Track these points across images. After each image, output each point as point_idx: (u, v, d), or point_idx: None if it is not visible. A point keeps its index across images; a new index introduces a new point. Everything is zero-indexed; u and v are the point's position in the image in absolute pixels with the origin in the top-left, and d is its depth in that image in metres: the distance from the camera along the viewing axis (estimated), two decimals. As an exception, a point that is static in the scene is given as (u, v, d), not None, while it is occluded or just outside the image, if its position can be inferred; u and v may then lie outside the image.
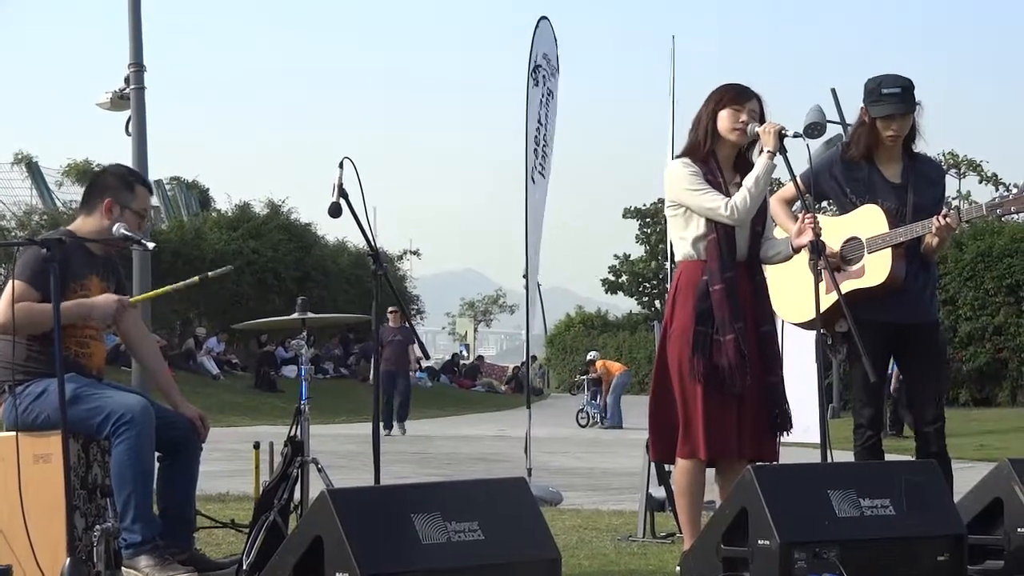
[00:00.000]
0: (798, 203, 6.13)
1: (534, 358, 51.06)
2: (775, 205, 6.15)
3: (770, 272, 5.99)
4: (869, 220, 6.02)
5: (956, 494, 5.34)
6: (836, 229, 6.12)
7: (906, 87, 5.99)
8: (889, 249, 5.95)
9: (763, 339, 5.64)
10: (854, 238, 6.06)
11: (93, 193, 5.89)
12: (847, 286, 5.93)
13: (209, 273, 6.18)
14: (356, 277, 38.05)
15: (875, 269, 5.98)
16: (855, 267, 6.04)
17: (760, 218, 5.67)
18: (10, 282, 5.53)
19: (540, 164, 10.80)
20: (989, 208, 5.98)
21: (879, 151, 6.09)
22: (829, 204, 6.64)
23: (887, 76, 6.04)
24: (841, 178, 6.10)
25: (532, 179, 10.70)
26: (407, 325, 21.78)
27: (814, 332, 5.61)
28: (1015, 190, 6.55)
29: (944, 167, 6.51)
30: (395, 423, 21.73)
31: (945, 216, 5.86)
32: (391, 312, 21.99)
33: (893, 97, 5.96)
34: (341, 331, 38.06)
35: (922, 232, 5.91)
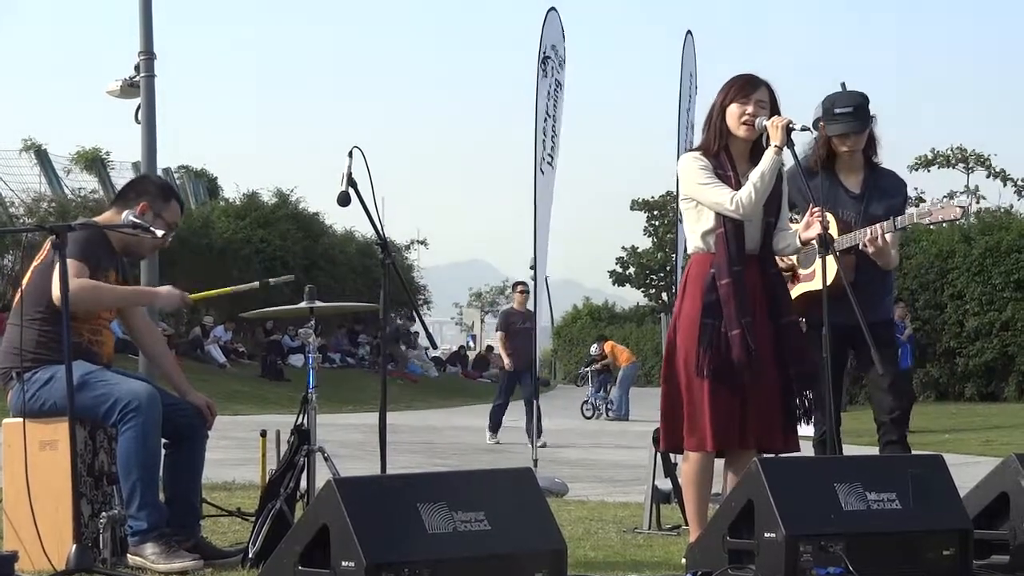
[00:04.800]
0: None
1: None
2: None
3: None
4: None
5: (961, 489, 5.34)
6: None
7: (859, 105, 6.29)
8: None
9: (782, 331, 5.64)
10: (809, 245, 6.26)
11: (129, 195, 5.94)
12: (800, 288, 6.31)
13: (271, 280, 6.58)
14: (364, 267, 38.06)
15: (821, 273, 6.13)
16: (807, 271, 6.32)
17: (773, 210, 5.67)
18: (56, 262, 5.52)
19: (548, 155, 10.85)
20: (919, 216, 6.12)
21: (840, 163, 6.39)
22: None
23: (840, 95, 6.36)
24: (805, 188, 6.19)
25: (541, 170, 10.73)
26: (529, 308, 16.72)
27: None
28: (944, 198, 6.91)
29: (905, 181, 6.88)
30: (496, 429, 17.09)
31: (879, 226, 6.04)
32: (519, 292, 17.74)
33: (846, 116, 6.29)
34: (349, 322, 38.05)
35: (856, 241, 6.14)
